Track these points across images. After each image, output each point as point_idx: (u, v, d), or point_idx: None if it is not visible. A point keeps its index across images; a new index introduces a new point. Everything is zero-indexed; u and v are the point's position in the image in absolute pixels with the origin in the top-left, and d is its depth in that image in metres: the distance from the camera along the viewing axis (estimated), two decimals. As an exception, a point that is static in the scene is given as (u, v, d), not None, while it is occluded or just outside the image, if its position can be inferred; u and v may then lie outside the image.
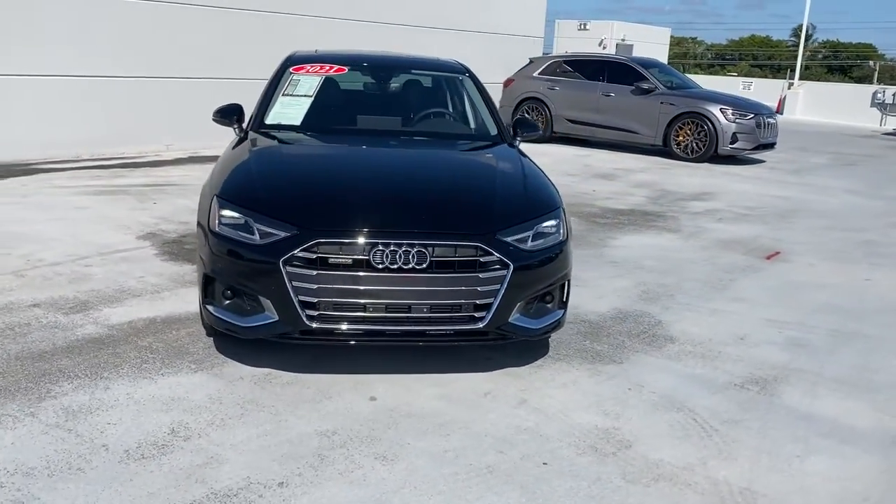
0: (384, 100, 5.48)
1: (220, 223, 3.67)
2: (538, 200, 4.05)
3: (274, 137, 4.71)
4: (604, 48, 30.07)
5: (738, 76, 46.33)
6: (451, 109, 5.33)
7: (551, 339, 4.42)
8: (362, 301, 3.51)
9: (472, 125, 5.21)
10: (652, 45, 34.06)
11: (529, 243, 3.76)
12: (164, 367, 3.81)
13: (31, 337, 4.09)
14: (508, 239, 3.68)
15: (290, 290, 3.46)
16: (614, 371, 4.08)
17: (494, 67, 15.16)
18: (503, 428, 3.39)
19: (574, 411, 3.59)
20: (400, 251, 3.47)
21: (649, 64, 14.37)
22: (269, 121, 4.86)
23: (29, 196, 7.42)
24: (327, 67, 5.22)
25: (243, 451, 3.10)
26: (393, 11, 13.50)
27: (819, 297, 5.64)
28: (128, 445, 3.08)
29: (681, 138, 13.00)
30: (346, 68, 5.30)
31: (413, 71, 5.70)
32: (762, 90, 35.62)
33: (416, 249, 3.48)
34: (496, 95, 14.91)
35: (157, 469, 2.93)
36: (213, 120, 4.90)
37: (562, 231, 3.94)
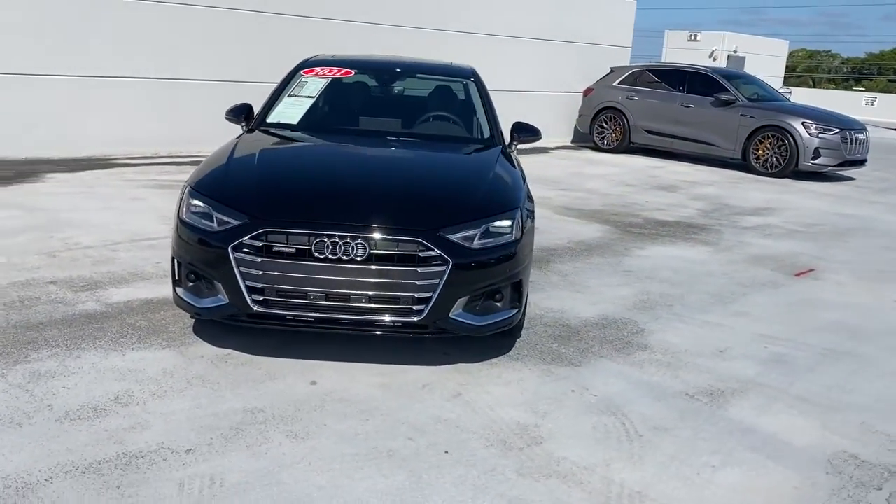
0: (386, 103, 5.67)
1: (187, 211, 3.95)
2: (494, 201, 4.13)
3: (273, 135, 4.99)
4: (714, 60, 29.30)
5: (864, 91, 44.02)
6: (450, 113, 5.45)
7: (519, 340, 4.48)
8: (304, 289, 3.71)
9: (468, 128, 5.32)
10: (766, 57, 32.92)
11: (476, 242, 3.85)
12: (137, 343, 4.12)
13: (35, 309, 4.50)
14: (452, 236, 3.78)
15: (237, 275, 3.70)
16: (567, 373, 4.11)
17: (577, 77, 15.15)
18: (424, 418, 3.50)
19: (503, 407, 3.66)
20: (341, 243, 3.65)
21: (733, 75, 13.99)
22: (270, 119, 5.15)
23: (95, 187, 8.04)
24: (335, 70, 5.47)
25: (170, 420, 3.34)
26: (464, 20, 13.68)
27: (831, 315, 5.43)
28: (70, 407, 3.38)
29: (760, 152, 12.60)
30: (354, 72, 5.53)
31: (418, 75, 5.88)
32: (890, 106, 33.74)
33: (356, 242, 3.65)
34: (577, 104, 14.89)
35: (86, 430, 3.21)
36: (226, 118, 5.22)
37: (515, 232, 4.00)
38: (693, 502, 2.99)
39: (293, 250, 3.68)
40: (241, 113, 5.18)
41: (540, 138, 5.39)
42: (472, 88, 5.55)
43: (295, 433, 3.29)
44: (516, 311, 4.09)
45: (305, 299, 3.73)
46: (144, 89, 10.31)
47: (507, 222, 4.00)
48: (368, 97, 5.68)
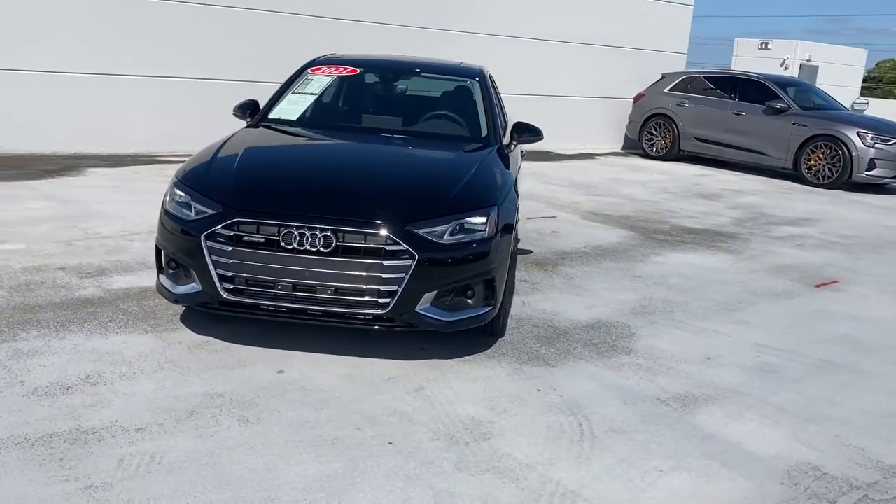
0: (386, 101, 5.72)
1: (170, 201, 4.07)
2: (468, 198, 4.12)
3: (272, 130, 5.10)
4: (785, 69, 28.54)
5: (949, 102, 42.07)
6: (450, 111, 5.46)
7: (501, 339, 4.47)
8: (271, 279, 3.78)
9: (466, 127, 5.31)
10: (843, 66, 31.87)
11: (447, 237, 3.87)
12: (123, 328, 4.26)
13: (37, 293, 4.70)
14: (420, 231, 3.80)
15: (209, 263, 3.80)
16: (539, 373, 4.08)
17: (629, 82, 14.95)
18: (379, 409, 3.53)
19: (462, 403, 3.65)
20: (308, 234, 3.71)
21: (786, 82, 13.61)
22: (272, 115, 5.26)
23: (129, 181, 8.33)
24: (341, 69, 5.55)
25: (131, 400, 3.45)
26: (518, 25, 13.66)
27: (841, 328, 5.24)
28: (40, 384, 3.52)
29: (812, 162, 12.21)
30: (359, 70, 5.61)
31: (423, 75, 5.92)
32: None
33: (323, 234, 3.71)
34: (627, 111, 14.69)
35: (49, 405, 3.34)
36: (233, 114, 5.37)
37: (489, 229, 3.99)
38: (628, 505, 2.93)
39: (262, 240, 3.76)
40: (247, 109, 5.31)
41: (541, 138, 5.36)
42: (476, 88, 5.55)
43: (247, 418, 3.36)
44: (489, 308, 4.08)
45: (273, 289, 3.80)
46: (191, 89, 10.62)
47: (480, 219, 4.00)
48: (369, 95, 5.75)
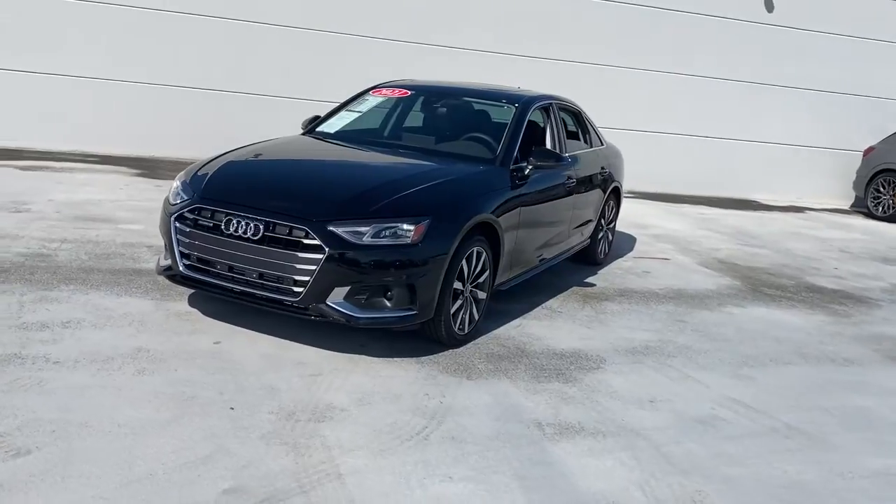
0: (425, 120, 6.03)
1: (171, 192, 4.81)
2: (404, 206, 4.36)
3: (308, 139, 5.71)
4: None
5: None
6: (478, 133, 5.63)
7: (455, 350, 4.62)
8: (213, 259, 4.34)
9: (484, 148, 5.45)
10: None
11: (366, 238, 4.16)
12: (138, 293, 5.05)
13: (109, 261, 5.66)
14: (340, 230, 4.14)
15: (174, 240, 4.46)
16: (447, 382, 4.19)
17: (860, 133, 13.57)
18: (260, 383, 3.89)
19: (337, 392, 3.91)
20: (244, 223, 4.23)
21: None
22: (319, 129, 5.86)
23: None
24: (395, 91, 6.01)
25: (77, 342, 4.15)
26: (722, 68, 13.05)
27: (859, 401, 4.62)
28: (29, 321, 4.37)
29: None
30: (410, 92, 6.02)
31: (464, 98, 6.22)
32: None
33: (255, 223, 4.20)
34: (856, 164, 13.33)
35: (18, 335, 4.14)
36: (301, 126, 6.06)
37: (415, 237, 4.21)
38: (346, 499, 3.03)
39: (210, 224, 4.34)
40: (310, 122, 5.98)
41: (559, 165, 5.38)
42: (512, 114, 5.68)
43: (144, 370, 3.92)
44: (410, 314, 4.27)
45: (215, 268, 4.35)
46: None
47: (408, 226, 4.23)
48: (410, 115, 6.11)
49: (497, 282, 5.09)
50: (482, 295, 4.84)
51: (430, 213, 4.34)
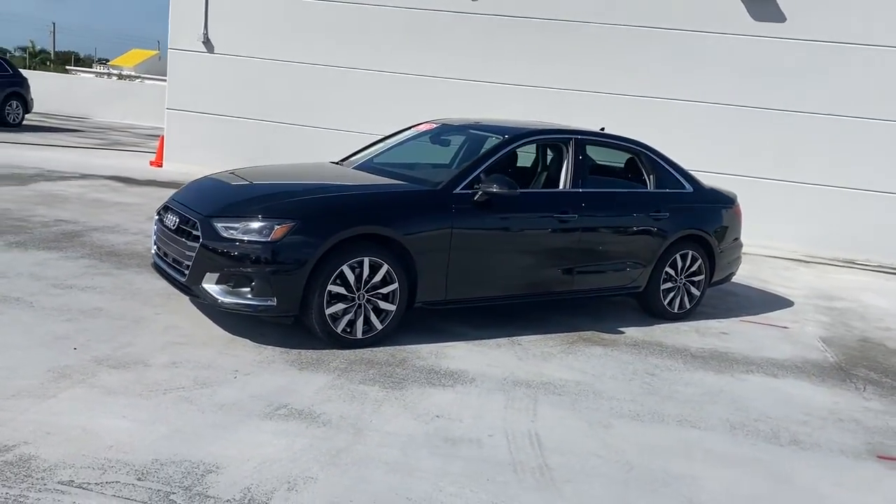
0: (423, 150, 6.28)
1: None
2: (276, 209, 4.91)
3: (324, 163, 6.50)
4: None
5: None
6: (455, 160, 5.79)
7: (341, 351, 4.92)
8: (163, 248, 5.28)
9: (441, 173, 5.68)
10: None
11: (236, 233, 4.77)
12: (138, 269, 6.24)
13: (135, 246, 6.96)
14: (217, 224, 4.83)
15: (153, 235, 5.53)
16: (292, 374, 4.48)
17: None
18: (123, 352, 4.53)
19: (199, 369, 4.38)
20: (171, 217, 5.16)
21: None
22: (350, 157, 6.55)
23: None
24: (422, 126, 6.47)
25: (53, 294, 5.39)
26: None
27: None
28: (21, 269, 5.80)
29: None
30: (434, 126, 6.41)
31: (471, 132, 6.39)
32: None
33: (175, 217, 5.10)
34: None
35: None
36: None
37: (276, 235, 4.70)
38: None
39: (163, 220, 5.33)
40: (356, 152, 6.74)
41: (513, 192, 5.32)
42: (493, 145, 5.78)
43: (67, 313, 4.99)
44: (271, 304, 4.73)
45: (165, 257, 5.27)
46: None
47: (271, 226, 4.74)
48: (420, 145, 6.41)
49: (425, 298, 5.24)
50: (385, 305, 5.04)
51: (297, 218, 4.79)
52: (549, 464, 3.73)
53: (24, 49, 70.99)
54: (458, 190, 5.38)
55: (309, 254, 4.76)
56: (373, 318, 5.04)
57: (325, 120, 12.39)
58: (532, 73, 11.66)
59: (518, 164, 6.67)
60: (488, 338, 5.56)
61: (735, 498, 3.62)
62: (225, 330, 5.09)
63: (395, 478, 3.44)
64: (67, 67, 59.24)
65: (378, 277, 4.99)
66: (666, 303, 6.55)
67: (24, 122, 18.60)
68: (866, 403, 5.12)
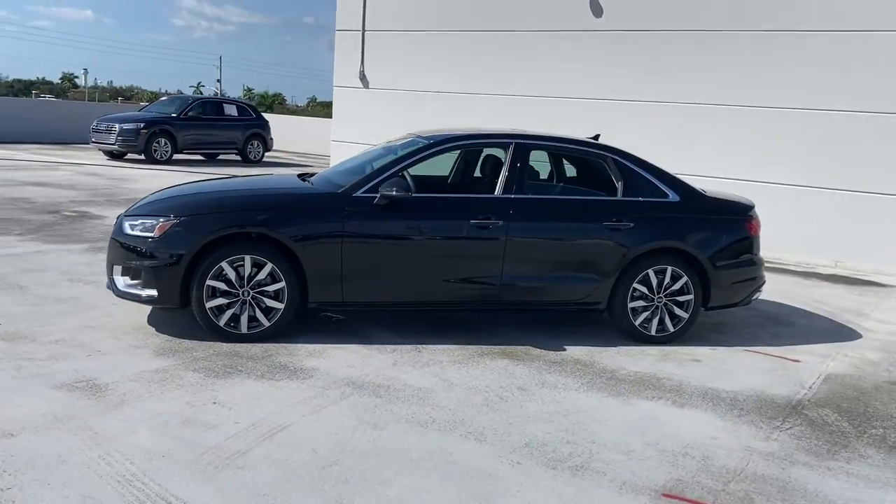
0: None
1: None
2: (161, 208, 5.45)
3: None
4: None
5: None
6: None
7: (228, 345, 5.24)
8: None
9: (355, 178, 5.73)
10: None
11: (133, 230, 5.35)
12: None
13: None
14: (125, 222, 5.46)
15: None
16: (146, 355, 4.97)
17: None
18: (46, 343, 5.11)
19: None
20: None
21: None
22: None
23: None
24: (396, 138, 6.60)
25: (48, 284, 6.37)
26: None
27: None
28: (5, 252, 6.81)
29: None
30: (402, 138, 6.57)
31: (467, 142, 6.29)
32: None
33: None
34: None
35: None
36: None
37: (157, 232, 5.19)
38: None
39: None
40: None
41: (406, 196, 5.28)
42: (414, 150, 5.81)
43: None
44: (154, 295, 5.22)
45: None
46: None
47: (155, 224, 5.26)
48: (369, 158, 6.40)
49: (318, 299, 5.42)
50: (272, 303, 5.27)
51: (177, 216, 5.23)
52: (252, 453, 3.72)
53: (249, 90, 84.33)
54: (358, 194, 5.46)
55: (185, 248, 5.16)
56: (258, 314, 5.28)
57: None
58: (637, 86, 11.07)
59: (475, 174, 6.51)
60: (396, 343, 5.54)
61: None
62: (150, 322, 5.63)
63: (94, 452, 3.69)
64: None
65: (262, 275, 5.23)
66: (638, 323, 5.92)
67: (264, 159, 21.23)
68: (762, 444, 4.27)
